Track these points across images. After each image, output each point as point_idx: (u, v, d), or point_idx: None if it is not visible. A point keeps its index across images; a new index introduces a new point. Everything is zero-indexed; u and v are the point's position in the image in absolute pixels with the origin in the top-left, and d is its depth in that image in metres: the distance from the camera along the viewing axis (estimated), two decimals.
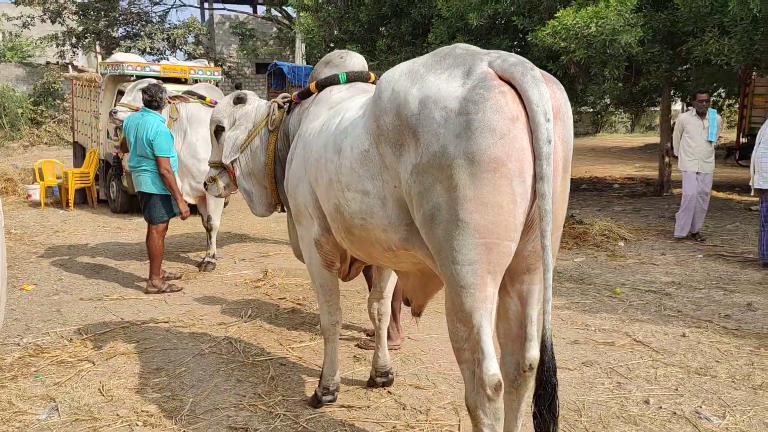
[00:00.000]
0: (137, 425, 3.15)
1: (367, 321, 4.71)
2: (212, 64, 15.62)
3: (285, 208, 3.70)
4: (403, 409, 3.26)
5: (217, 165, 3.92)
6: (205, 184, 4.11)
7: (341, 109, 2.85)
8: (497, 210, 1.97)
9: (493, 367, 2.03)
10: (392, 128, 2.25)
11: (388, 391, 3.48)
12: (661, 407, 3.26)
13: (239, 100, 3.69)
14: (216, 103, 6.34)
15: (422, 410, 3.24)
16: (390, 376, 3.50)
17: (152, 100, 5.46)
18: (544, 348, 2.06)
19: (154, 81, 6.23)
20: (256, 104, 3.71)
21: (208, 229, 6.38)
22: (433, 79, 2.15)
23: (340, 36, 15.16)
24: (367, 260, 2.83)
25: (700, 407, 3.21)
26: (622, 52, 8.44)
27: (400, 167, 2.23)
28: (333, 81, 3.19)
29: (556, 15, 8.72)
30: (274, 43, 30.02)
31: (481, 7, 10.95)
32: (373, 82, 3.25)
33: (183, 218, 5.65)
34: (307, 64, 18.05)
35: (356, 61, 3.27)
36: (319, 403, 3.27)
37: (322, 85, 3.21)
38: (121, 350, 4.20)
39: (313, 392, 3.35)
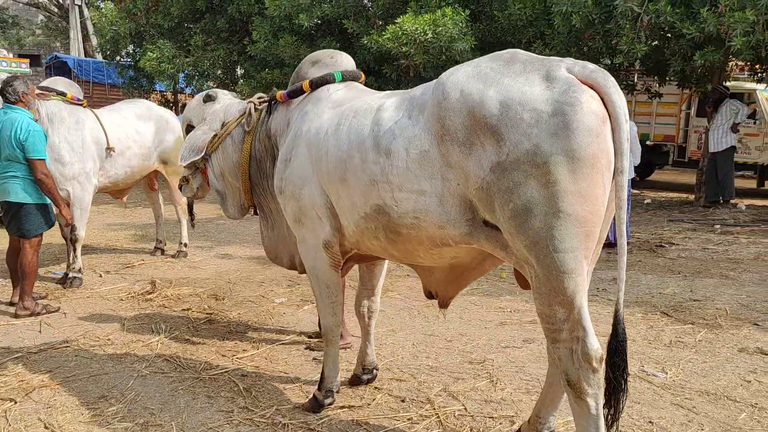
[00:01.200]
0: None
1: (297, 325, 4.68)
2: None
3: (257, 211, 3.57)
4: (403, 401, 3.34)
5: (190, 165, 3.65)
6: (180, 186, 3.80)
7: (359, 109, 2.85)
8: (594, 201, 2.20)
9: (596, 343, 2.26)
10: (462, 128, 2.36)
11: (375, 387, 3.53)
12: None
13: (208, 98, 3.48)
14: (78, 99, 5.74)
15: (423, 400, 3.35)
16: (375, 372, 3.56)
17: (11, 95, 4.78)
18: (617, 320, 2.34)
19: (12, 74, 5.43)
20: (226, 103, 3.53)
21: (73, 241, 5.72)
22: (511, 82, 2.31)
23: (147, 30, 14.21)
24: (399, 258, 2.87)
25: (643, 367, 3.75)
26: (458, 58, 9.16)
27: (469, 165, 2.35)
28: (328, 80, 3.16)
29: (396, 21, 9.16)
30: (42, 33, 27.02)
31: (311, 8, 11.07)
32: (362, 82, 3.28)
33: (67, 226, 5.05)
34: (104, 58, 16.56)
35: (347, 60, 3.28)
36: (320, 407, 3.22)
37: (316, 84, 3.16)
38: (36, 383, 3.67)
39: (312, 397, 3.28)
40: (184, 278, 6.00)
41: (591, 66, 2.29)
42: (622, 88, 2.86)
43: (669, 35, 7.59)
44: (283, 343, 4.30)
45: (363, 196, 2.72)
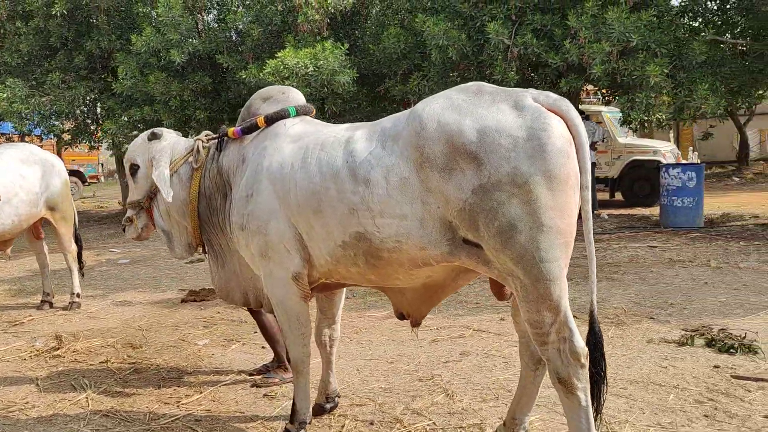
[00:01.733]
0: None
1: (231, 364, 4.60)
2: None
3: (205, 249, 3.51)
4: (372, 424, 3.42)
5: (134, 205, 3.57)
6: (123, 227, 3.60)
7: (324, 142, 2.95)
8: (570, 214, 2.47)
9: (581, 341, 2.50)
10: (441, 155, 2.55)
11: (339, 415, 3.57)
12: None
13: (153, 136, 3.40)
14: None
15: (390, 421, 3.44)
16: (337, 400, 3.60)
17: None
18: (593, 319, 2.62)
19: None
20: (172, 141, 3.46)
21: None
22: (484, 111, 2.54)
23: None
24: (375, 282, 2.96)
25: None
26: (340, 90, 9.43)
27: (449, 189, 2.54)
28: (283, 115, 3.22)
29: (277, 55, 9.26)
30: None
31: (182, 44, 10.91)
32: (313, 115, 3.37)
33: None
34: None
35: (298, 95, 3.35)
36: None
37: (271, 120, 3.21)
38: None
39: (284, 431, 3.26)
40: (88, 330, 5.63)
41: (553, 95, 2.58)
42: None
43: (536, 65, 8.33)
44: (225, 384, 4.20)
45: (341, 225, 2.81)
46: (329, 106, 9.79)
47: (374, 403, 3.71)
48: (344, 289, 3.48)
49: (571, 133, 2.52)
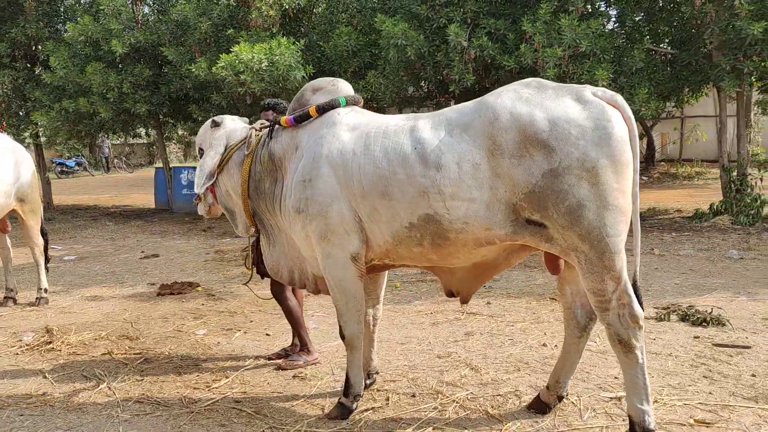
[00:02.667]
0: None
1: (243, 351, 4.69)
2: None
3: (258, 229, 3.64)
4: (414, 396, 3.65)
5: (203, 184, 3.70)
6: (195, 204, 3.82)
7: (387, 131, 3.15)
8: (628, 194, 2.81)
9: (639, 306, 2.85)
10: (513, 143, 2.83)
11: (377, 390, 3.77)
12: (545, 345, 4.45)
13: (215, 124, 3.52)
14: None
15: (431, 393, 3.69)
16: (375, 376, 3.81)
17: None
18: (637, 289, 2.97)
19: None
20: (231, 128, 3.57)
21: None
22: (551, 104, 2.84)
23: None
24: (435, 262, 3.19)
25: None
26: (296, 85, 9.51)
27: (518, 174, 2.83)
28: (334, 105, 3.39)
29: (232, 49, 9.23)
30: None
31: (123, 35, 10.64)
32: (361, 105, 3.56)
33: None
34: None
35: (347, 86, 3.52)
36: (349, 412, 3.39)
37: (323, 109, 3.37)
38: None
39: (338, 404, 3.43)
40: (71, 324, 5.48)
41: (609, 92, 2.92)
42: None
43: (491, 67, 8.79)
44: (247, 369, 4.29)
45: (409, 207, 3.03)
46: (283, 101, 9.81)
47: (406, 379, 3.94)
48: (387, 271, 3.70)
49: (627, 124, 2.86)
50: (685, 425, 3.18)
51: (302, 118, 3.41)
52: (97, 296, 6.58)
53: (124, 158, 30.98)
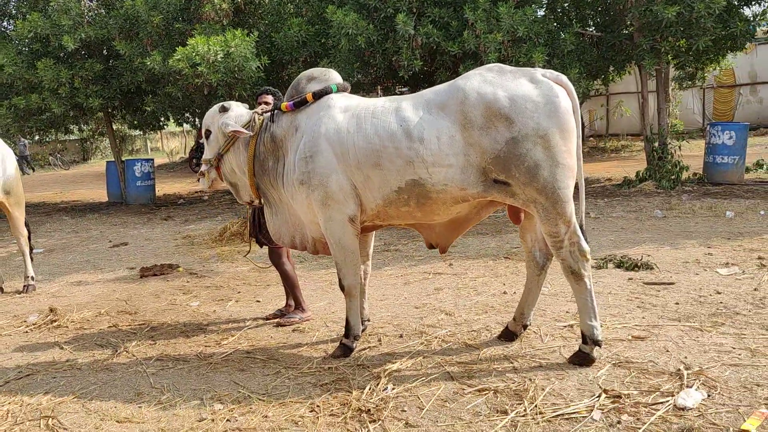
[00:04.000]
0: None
1: (239, 315, 5.23)
2: None
3: (261, 201, 4.19)
4: (401, 336, 4.30)
5: (207, 162, 4.27)
6: (198, 179, 4.35)
7: (375, 111, 3.75)
8: (574, 155, 3.51)
9: (585, 243, 3.56)
10: (481, 117, 3.49)
11: (370, 333, 4.40)
12: (505, 292, 5.17)
13: (223, 109, 4.04)
14: None
15: (416, 333, 4.34)
16: (367, 323, 4.44)
17: None
18: (583, 230, 3.69)
19: None
20: (237, 113, 4.08)
21: None
22: (511, 84, 3.51)
23: None
24: (419, 218, 3.81)
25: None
26: (251, 75, 9.95)
27: (485, 142, 3.49)
28: (327, 91, 3.97)
29: (189, 42, 9.57)
30: None
31: (74, 30, 10.81)
32: (348, 91, 4.15)
33: None
34: None
35: (336, 75, 4.09)
36: (350, 351, 4.01)
37: (318, 95, 3.95)
38: (63, 401, 3.74)
39: (340, 345, 4.04)
40: (67, 306, 5.87)
41: (555, 72, 3.61)
42: None
43: (436, 53, 9.46)
44: (249, 328, 4.84)
45: (398, 174, 3.65)
46: (238, 91, 10.24)
47: (392, 325, 4.58)
48: (375, 232, 4.32)
49: (570, 98, 3.57)
50: (624, 340, 3.95)
51: (300, 104, 3.98)
52: (81, 281, 6.93)
53: (59, 155, 30.37)
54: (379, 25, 9.52)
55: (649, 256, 5.92)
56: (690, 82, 14.73)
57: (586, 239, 3.64)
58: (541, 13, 10.03)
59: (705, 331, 4.00)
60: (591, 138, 20.79)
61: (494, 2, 8.82)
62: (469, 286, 5.52)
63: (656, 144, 10.50)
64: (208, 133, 4.25)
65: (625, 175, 11.04)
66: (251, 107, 4.41)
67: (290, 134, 3.99)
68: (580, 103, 20.25)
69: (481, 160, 3.52)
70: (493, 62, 8.49)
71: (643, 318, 4.34)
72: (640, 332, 4.07)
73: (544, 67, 8.51)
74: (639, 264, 5.63)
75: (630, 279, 5.33)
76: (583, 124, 19.90)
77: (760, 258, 5.70)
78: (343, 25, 9.27)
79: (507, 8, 8.56)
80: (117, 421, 3.39)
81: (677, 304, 4.60)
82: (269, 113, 4.09)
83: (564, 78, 3.60)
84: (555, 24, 9.83)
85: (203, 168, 4.31)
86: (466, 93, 3.53)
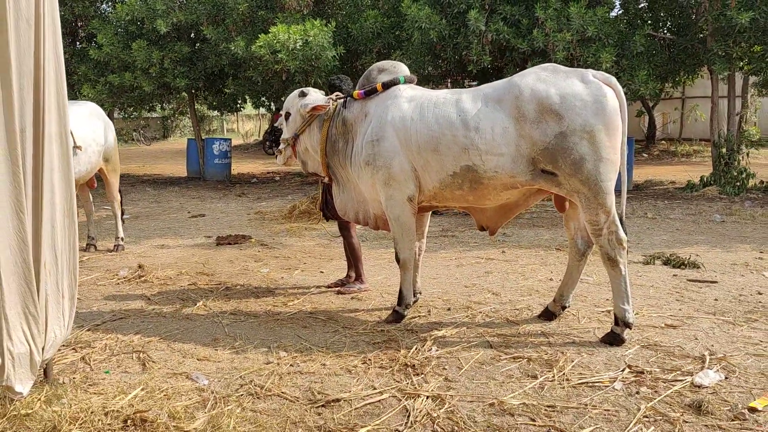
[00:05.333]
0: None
1: (304, 283, 5.73)
2: None
3: (331, 178, 4.68)
4: (449, 310, 4.71)
5: (285, 141, 4.80)
6: (276, 155, 4.99)
7: (437, 102, 4.15)
8: (618, 151, 3.82)
9: (623, 232, 3.87)
10: (533, 112, 3.84)
11: (421, 305, 4.82)
12: (551, 279, 5.48)
13: (302, 94, 4.55)
14: None
15: (463, 307, 4.74)
16: (419, 295, 4.87)
17: None
18: (623, 222, 3.99)
19: None
20: (314, 98, 4.57)
21: None
22: (562, 83, 3.84)
23: None
24: (471, 201, 4.21)
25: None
26: (327, 64, 10.48)
27: (536, 135, 3.84)
28: (395, 82, 4.40)
29: (270, 30, 10.18)
30: None
31: (167, 14, 11.56)
32: (415, 83, 4.56)
33: None
34: None
35: (404, 68, 4.52)
36: (402, 317, 4.45)
37: (387, 86, 4.38)
38: (158, 338, 4.32)
39: (393, 311, 4.49)
40: (153, 264, 6.53)
41: (605, 74, 3.92)
42: None
43: (505, 49, 9.73)
44: (312, 294, 5.35)
45: (454, 160, 4.04)
46: (314, 78, 10.79)
47: (442, 300, 4.99)
48: (430, 212, 4.74)
49: (618, 99, 3.87)
50: (657, 327, 4.23)
51: (371, 92, 4.42)
52: (164, 245, 7.64)
53: (142, 131, 32.03)
54: (451, 20, 9.86)
55: (697, 256, 6.09)
56: None
57: (624, 230, 3.94)
58: (613, 14, 10.13)
59: (737, 325, 4.23)
60: (663, 141, 20.48)
61: (566, 1, 9.02)
62: (517, 271, 5.86)
63: (724, 150, 10.45)
64: (288, 114, 4.75)
65: (689, 179, 11.01)
66: (326, 94, 4.88)
67: (360, 119, 4.44)
68: (653, 106, 20.14)
69: (530, 151, 3.87)
70: (561, 61, 8.75)
71: (680, 310, 4.59)
72: (673, 321, 4.33)
73: (611, 67, 8.70)
74: (686, 262, 5.82)
75: (675, 275, 5.55)
76: (654, 126, 19.70)
77: None
78: (417, 18, 9.67)
79: (578, 8, 8.76)
80: (197, 359, 3.94)
81: (716, 300, 4.82)
82: (343, 99, 4.55)
83: (613, 79, 3.91)
84: (627, 25, 9.92)
85: (281, 146, 4.82)
86: (521, 89, 3.88)
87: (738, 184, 10.01)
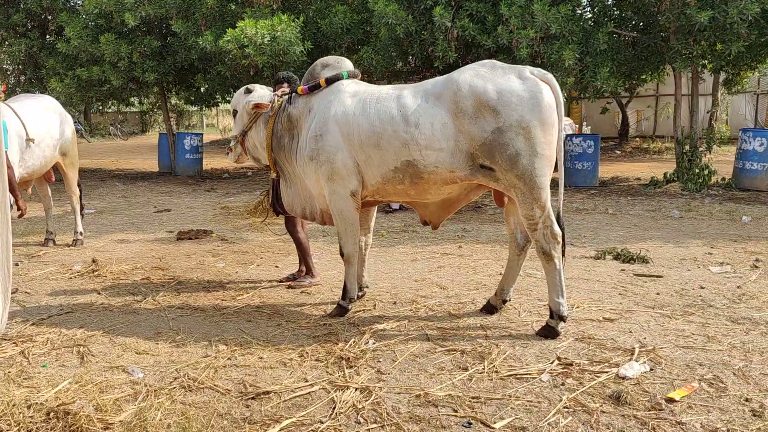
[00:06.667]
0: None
1: (257, 277, 5.75)
2: None
3: (278, 175, 4.69)
4: (395, 304, 4.75)
5: (234, 138, 4.83)
6: (227, 153, 4.95)
7: (379, 97, 4.18)
8: (553, 147, 3.87)
9: (558, 227, 3.93)
10: (471, 107, 3.88)
11: (368, 299, 4.86)
12: (501, 274, 5.54)
13: (247, 90, 4.55)
14: None
15: (407, 302, 4.79)
16: (365, 289, 4.91)
17: None
18: (560, 216, 4.05)
19: None
20: (259, 94, 4.59)
21: None
22: (500, 80, 3.89)
23: None
24: (413, 196, 4.25)
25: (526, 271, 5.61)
26: (295, 59, 10.47)
27: (474, 130, 3.88)
28: (339, 77, 4.42)
29: (238, 25, 10.14)
30: None
31: (136, 8, 11.48)
32: (359, 78, 4.59)
33: (20, 217, 5.39)
34: None
35: (348, 63, 4.55)
36: (346, 311, 4.48)
37: (330, 81, 4.41)
38: (94, 334, 4.32)
39: (337, 306, 4.52)
40: (108, 259, 6.51)
41: (543, 71, 3.97)
42: None
43: (471, 45, 9.79)
44: (263, 288, 5.36)
45: (395, 155, 4.08)
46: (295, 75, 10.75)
47: (389, 294, 5.03)
48: (376, 206, 4.77)
49: (554, 95, 3.93)
50: (595, 321, 4.30)
51: (314, 88, 4.44)
52: (123, 240, 7.61)
53: (119, 126, 31.76)
54: (418, 16, 9.90)
55: (647, 251, 6.19)
56: (739, 87, 14.62)
57: (561, 225, 4.01)
58: (579, 11, 10.22)
59: (673, 319, 4.32)
60: (636, 138, 20.68)
61: None
62: (470, 266, 5.92)
63: (687, 147, 10.59)
64: (235, 112, 4.77)
65: (653, 176, 11.15)
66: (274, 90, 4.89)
67: (304, 115, 4.46)
68: (626, 103, 20.33)
69: (469, 146, 3.92)
70: (525, 57, 8.83)
71: (620, 303, 4.67)
72: (611, 315, 4.41)
73: (575, 65, 8.79)
74: (635, 257, 5.91)
75: (622, 270, 5.63)
76: (628, 123, 19.89)
77: (756, 260, 5.91)
78: (384, 14, 9.69)
79: (541, 5, 8.82)
80: (136, 353, 3.95)
81: (658, 294, 4.91)
82: (287, 96, 4.56)
83: (550, 76, 3.96)
84: (591, 23, 10.01)
85: (231, 144, 4.84)
86: (459, 85, 3.93)
87: (700, 180, 10.16)
